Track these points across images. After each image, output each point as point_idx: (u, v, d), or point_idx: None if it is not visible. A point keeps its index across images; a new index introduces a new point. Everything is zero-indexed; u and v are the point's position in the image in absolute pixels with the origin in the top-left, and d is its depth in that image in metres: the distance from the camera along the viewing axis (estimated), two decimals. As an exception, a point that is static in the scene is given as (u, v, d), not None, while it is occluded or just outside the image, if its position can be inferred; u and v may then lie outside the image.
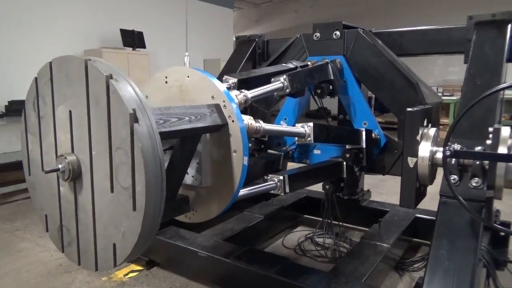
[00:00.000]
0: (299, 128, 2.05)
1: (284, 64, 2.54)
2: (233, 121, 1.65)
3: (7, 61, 5.97)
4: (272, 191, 1.99)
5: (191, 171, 1.78)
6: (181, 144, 1.69)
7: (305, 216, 3.84)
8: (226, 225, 3.08)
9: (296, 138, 2.09)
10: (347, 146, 2.52)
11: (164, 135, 1.36)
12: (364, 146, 2.53)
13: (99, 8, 7.51)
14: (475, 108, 1.71)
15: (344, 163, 2.50)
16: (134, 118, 1.23)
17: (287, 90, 2.10)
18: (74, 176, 1.43)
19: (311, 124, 2.00)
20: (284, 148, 2.85)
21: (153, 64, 8.51)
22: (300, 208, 3.77)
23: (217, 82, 1.71)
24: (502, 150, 1.70)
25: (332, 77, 2.55)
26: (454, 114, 8.47)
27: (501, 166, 1.72)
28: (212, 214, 1.80)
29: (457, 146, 1.80)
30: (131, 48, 7.58)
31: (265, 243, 3.36)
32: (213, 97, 1.69)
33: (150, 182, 1.25)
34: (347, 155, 2.48)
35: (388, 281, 2.71)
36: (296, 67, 2.47)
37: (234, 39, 3.40)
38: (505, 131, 1.74)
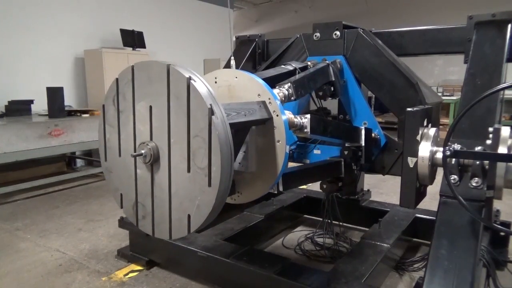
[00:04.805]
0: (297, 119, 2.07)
1: (283, 66, 2.52)
2: (277, 115, 1.89)
3: (7, 61, 5.96)
4: None
5: (238, 158, 2.00)
6: (235, 134, 1.86)
7: (305, 216, 3.84)
8: (226, 225, 3.08)
9: (293, 129, 2.09)
10: (346, 144, 2.52)
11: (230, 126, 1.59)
12: (363, 144, 2.53)
13: (99, 8, 7.49)
14: (475, 108, 1.71)
15: (342, 162, 2.50)
16: (211, 112, 1.48)
17: (292, 98, 2.14)
18: (154, 159, 1.69)
19: (308, 115, 2.03)
20: (284, 148, 2.85)
21: (153, 64, 8.46)
22: (300, 208, 3.77)
23: (263, 82, 1.94)
24: (502, 150, 1.70)
25: (333, 79, 2.55)
26: (454, 114, 8.47)
27: (501, 166, 1.72)
28: (255, 196, 2.03)
29: (457, 146, 1.80)
30: (131, 48, 7.55)
31: (265, 243, 3.36)
32: (259, 95, 1.92)
33: (224, 163, 1.51)
34: (346, 153, 2.48)
35: (388, 281, 2.71)
36: (295, 69, 2.46)
37: (234, 39, 3.40)
38: (505, 131, 1.74)
